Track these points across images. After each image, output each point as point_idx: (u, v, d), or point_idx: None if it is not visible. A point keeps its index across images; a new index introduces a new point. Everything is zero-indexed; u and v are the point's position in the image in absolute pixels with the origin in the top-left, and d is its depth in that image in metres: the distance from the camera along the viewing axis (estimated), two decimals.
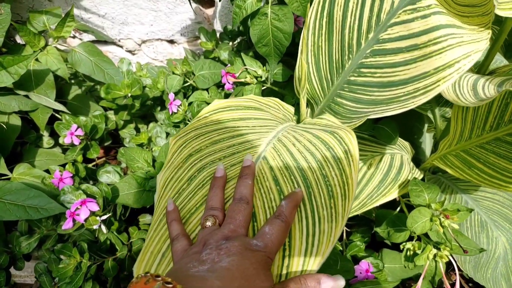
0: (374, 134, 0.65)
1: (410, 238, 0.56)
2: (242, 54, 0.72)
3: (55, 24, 0.79)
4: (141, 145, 0.80)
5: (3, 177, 0.71)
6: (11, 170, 0.72)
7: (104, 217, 0.62)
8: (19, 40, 0.98)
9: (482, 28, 0.41)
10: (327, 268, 0.59)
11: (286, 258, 0.35)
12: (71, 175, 0.70)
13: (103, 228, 0.62)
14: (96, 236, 0.66)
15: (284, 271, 0.34)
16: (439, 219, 0.52)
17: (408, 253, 0.56)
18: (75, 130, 0.74)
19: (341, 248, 0.70)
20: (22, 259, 0.73)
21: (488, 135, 0.53)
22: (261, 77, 0.70)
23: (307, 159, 0.41)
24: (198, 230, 0.38)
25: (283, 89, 0.74)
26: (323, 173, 0.39)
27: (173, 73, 0.83)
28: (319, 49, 0.54)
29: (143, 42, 1.07)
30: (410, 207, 0.59)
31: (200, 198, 0.41)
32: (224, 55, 0.82)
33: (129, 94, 0.81)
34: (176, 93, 0.83)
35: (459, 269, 0.58)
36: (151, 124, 0.91)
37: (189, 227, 0.39)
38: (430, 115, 0.67)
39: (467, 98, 0.41)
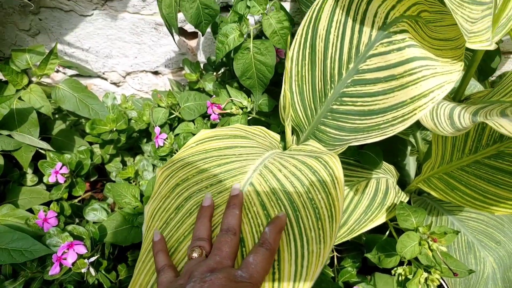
0: (359, 159, 0.66)
1: (401, 263, 0.56)
2: (227, 86, 0.73)
3: (39, 61, 0.79)
4: (128, 180, 0.80)
5: None
6: None
7: (92, 259, 0.60)
8: (0, 76, 0.97)
9: (455, 61, 0.43)
10: None
11: (276, 281, 0.35)
12: (56, 214, 0.68)
13: (92, 270, 0.60)
14: (84, 278, 0.64)
15: None
16: (428, 243, 0.53)
17: (400, 278, 0.56)
18: (60, 169, 0.73)
19: (332, 275, 0.69)
20: None
21: (468, 158, 0.55)
22: (246, 107, 0.71)
23: (294, 183, 0.42)
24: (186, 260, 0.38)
25: (269, 118, 0.76)
26: (310, 197, 0.40)
27: (159, 105, 0.83)
28: (302, 78, 0.56)
29: (128, 74, 1.07)
30: (399, 230, 0.59)
31: (188, 226, 0.40)
32: (209, 86, 0.83)
33: (115, 129, 0.80)
34: (162, 126, 0.83)
35: None
36: (138, 157, 0.90)
37: (178, 256, 0.39)
38: (412, 140, 0.69)
39: (444, 128, 0.43)
